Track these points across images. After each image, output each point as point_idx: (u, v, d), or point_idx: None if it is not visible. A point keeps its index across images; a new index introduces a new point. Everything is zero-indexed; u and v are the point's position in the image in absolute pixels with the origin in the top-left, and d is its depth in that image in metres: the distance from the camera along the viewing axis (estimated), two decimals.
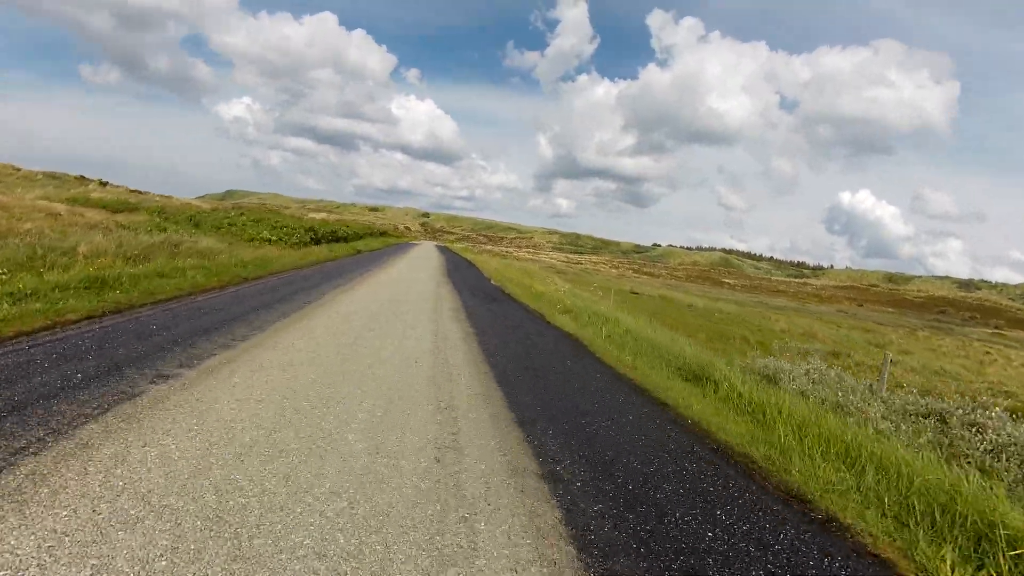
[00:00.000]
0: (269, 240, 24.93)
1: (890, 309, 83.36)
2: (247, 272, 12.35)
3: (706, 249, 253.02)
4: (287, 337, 6.81)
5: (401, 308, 10.38)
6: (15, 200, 21.60)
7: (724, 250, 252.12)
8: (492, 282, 19.92)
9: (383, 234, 64.69)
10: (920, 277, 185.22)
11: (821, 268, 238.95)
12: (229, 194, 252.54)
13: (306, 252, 22.81)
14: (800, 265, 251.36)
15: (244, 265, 13.34)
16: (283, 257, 17.71)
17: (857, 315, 59.94)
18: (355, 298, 11.07)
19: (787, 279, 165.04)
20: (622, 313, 12.37)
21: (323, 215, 77.27)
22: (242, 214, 34.37)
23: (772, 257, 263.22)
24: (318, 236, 32.02)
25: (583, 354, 8.10)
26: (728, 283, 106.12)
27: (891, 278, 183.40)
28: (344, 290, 12.17)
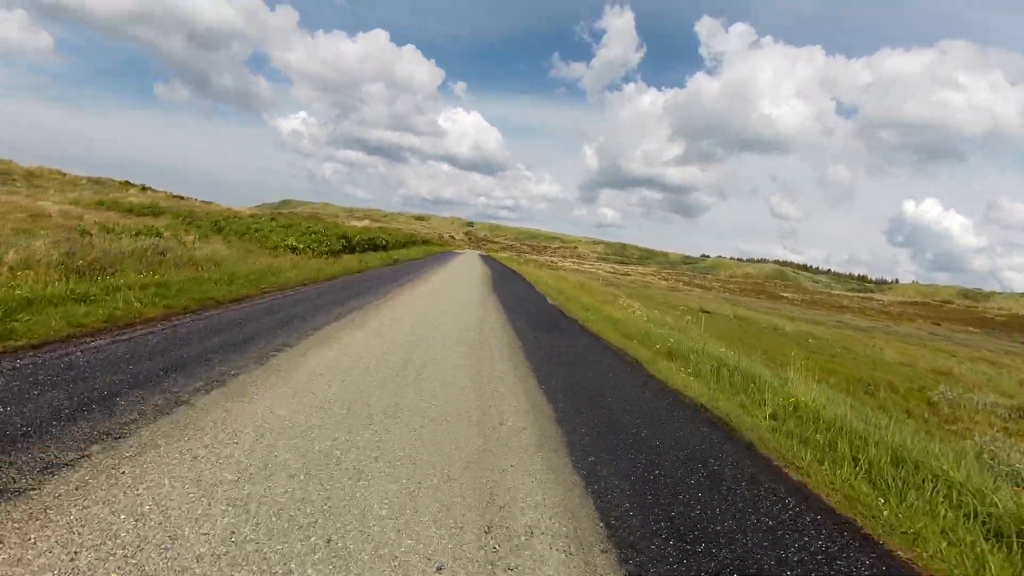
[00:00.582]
0: (294, 248, 22.06)
1: (972, 329, 75.07)
2: (227, 291, 9.04)
3: (758, 261, 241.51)
4: (176, 451, 3.21)
5: (420, 359, 6.77)
6: (12, 200, 19.55)
7: (778, 262, 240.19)
8: (549, 301, 16.18)
9: (426, 242, 62.51)
10: (1000, 293, 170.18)
11: (884, 282, 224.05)
12: (285, 203, 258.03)
13: (331, 262, 19.70)
14: (862, 279, 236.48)
15: (231, 280, 10.09)
16: (297, 268, 14.54)
17: (951, 338, 53.08)
18: (354, 343, 7.53)
19: (849, 293, 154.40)
20: (757, 363, 8.32)
21: (365, 223, 75.86)
22: (273, 219, 31.86)
23: (830, 270, 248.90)
24: (352, 244, 29.13)
25: (760, 470, 4.24)
26: (786, 297, 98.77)
27: (967, 294, 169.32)
28: (349, 322, 8.69)
